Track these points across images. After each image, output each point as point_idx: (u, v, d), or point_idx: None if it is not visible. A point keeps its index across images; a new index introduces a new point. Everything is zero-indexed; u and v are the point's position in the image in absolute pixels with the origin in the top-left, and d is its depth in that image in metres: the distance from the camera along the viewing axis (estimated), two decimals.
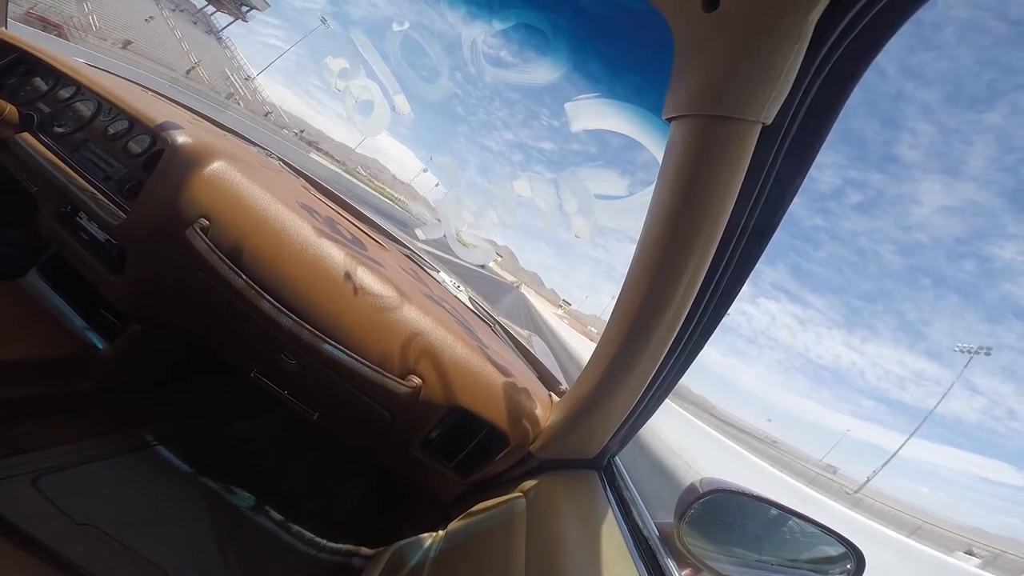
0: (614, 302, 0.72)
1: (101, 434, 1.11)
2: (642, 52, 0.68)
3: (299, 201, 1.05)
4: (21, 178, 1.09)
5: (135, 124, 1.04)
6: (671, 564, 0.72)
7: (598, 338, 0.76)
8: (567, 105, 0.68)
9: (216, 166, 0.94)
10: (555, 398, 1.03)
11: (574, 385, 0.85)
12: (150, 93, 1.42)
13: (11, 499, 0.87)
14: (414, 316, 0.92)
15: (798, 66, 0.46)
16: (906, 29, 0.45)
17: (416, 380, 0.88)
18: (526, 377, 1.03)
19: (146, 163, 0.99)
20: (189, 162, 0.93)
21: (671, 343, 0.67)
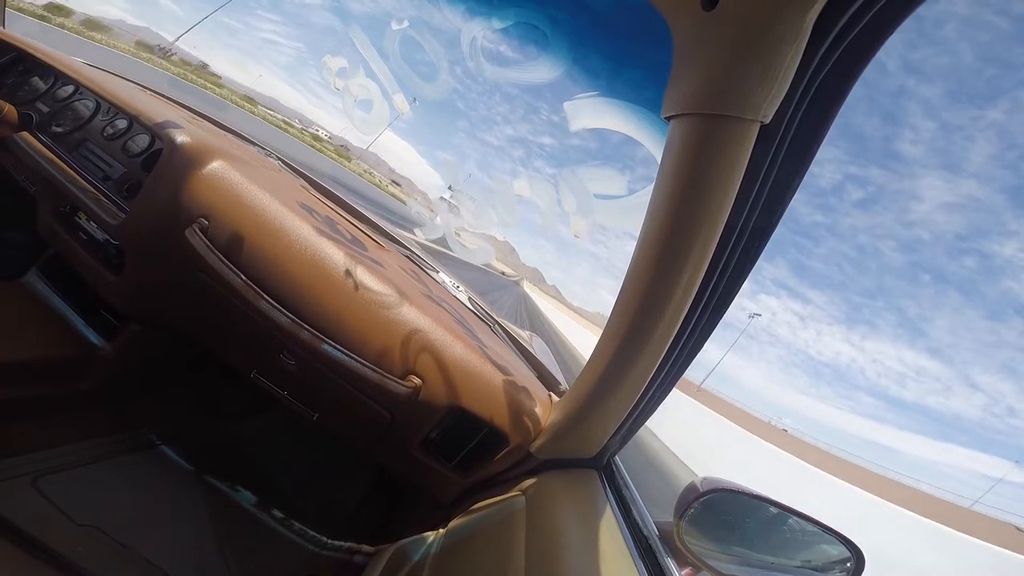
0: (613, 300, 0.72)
1: (101, 434, 1.11)
2: (642, 47, 0.67)
3: (298, 201, 1.05)
4: (20, 178, 1.09)
5: (134, 123, 1.04)
6: (671, 563, 0.72)
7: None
8: (566, 104, 0.68)
9: (215, 166, 0.94)
10: (555, 398, 1.03)
11: (574, 384, 0.85)
12: (149, 92, 1.42)
13: (11, 499, 0.87)
14: (413, 316, 0.92)
15: (796, 65, 0.46)
16: (906, 25, 0.45)
17: (416, 380, 0.88)
18: (526, 377, 1.03)
19: (145, 162, 0.99)
20: (188, 161, 0.93)
21: (670, 342, 0.67)
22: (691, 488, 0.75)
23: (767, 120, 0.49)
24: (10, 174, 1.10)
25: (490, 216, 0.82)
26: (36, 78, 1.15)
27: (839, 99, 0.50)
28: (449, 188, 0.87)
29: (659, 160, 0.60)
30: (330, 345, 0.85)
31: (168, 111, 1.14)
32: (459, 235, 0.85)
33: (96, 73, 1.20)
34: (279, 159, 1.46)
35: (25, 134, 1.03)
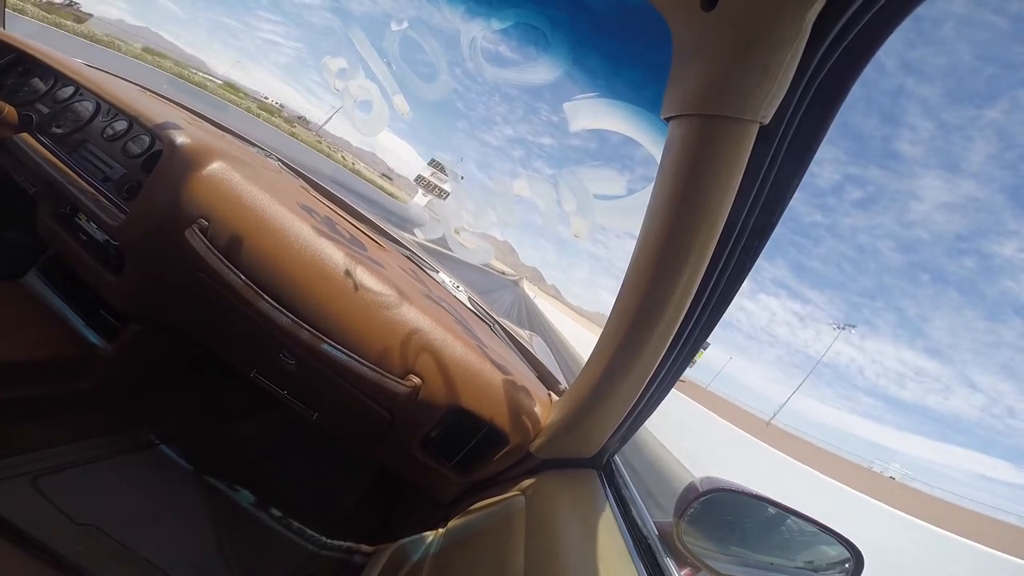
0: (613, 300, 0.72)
1: (101, 434, 1.11)
2: (642, 47, 0.67)
3: (298, 201, 1.05)
4: (20, 179, 1.09)
5: (134, 124, 1.04)
6: (670, 563, 0.72)
7: None
8: (566, 105, 0.68)
9: (215, 166, 0.94)
10: (554, 397, 1.03)
11: (573, 384, 0.85)
12: (149, 93, 1.42)
13: (11, 499, 0.87)
14: (413, 316, 0.92)
15: (796, 66, 0.46)
16: (905, 24, 0.45)
17: (415, 380, 0.88)
18: (525, 376, 1.03)
19: (145, 163, 0.99)
20: (188, 162, 0.93)
21: (670, 342, 0.67)
22: (691, 488, 0.75)
23: (766, 120, 0.49)
24: (10, 175, 1.10)
25: (490, 216, 0.82)
26: (36, 79, 1.15)
27: (838, 99, 0.51)
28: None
29: (658, 160, 0.60)
30: (330, 345, 0.85)
31: (168, 112, 1.14)
32: (458, 234, 0.86)
33: (96, 74, 1.21)
34: (279, 159, 1.46)
35: (25, 135, 1.03)
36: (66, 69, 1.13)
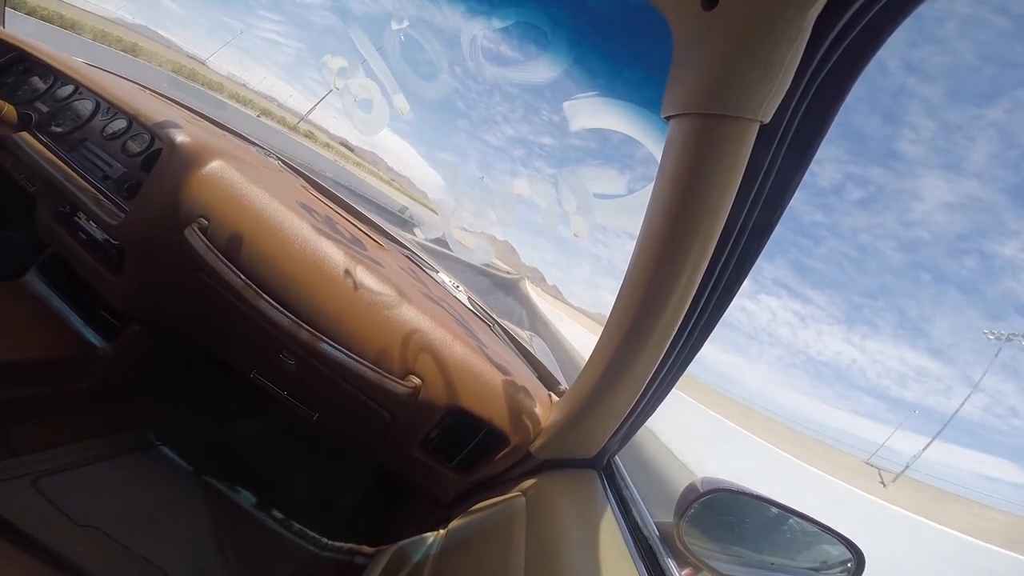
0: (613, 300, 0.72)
1: (101, 434, 1.11)
2: (642, 46, 0.67)
3: (298, 200, 1.05)
4: (19, 177, 1.09)
5: (133, 123, 1.04)
6: (671, 564, 0.72)
7: None
8: (566, 104, 0.68)
9: (215, 165, 0.94)
10: (555, 398, 1.03)
11: (574, 384, 0.85)
12: (148, 92, 1.42)
13: (11, 500, 0.87)
14: (413, 316, 0.92)
15: (796, 64, 0.46)
16: (906, 23, 0.45)
17: (415, 380, 0.88)
18: (526, 377, 1.03)
19: (144, 162, 0.99)
20: (188, 161, 0.93)
21: (670, 341, 0.67)
22: (691, 488, 0.75)
23: (767, 120, 0.49)
24: (9, 174, 1.10)
25: (489, 216, 0.82)
26: (36, 78, 1.15)
27: (839, 98, 0.50)
28: (450, 188, 0.84)
29: (659, 160, 0.60)
30: (330, 345, 0.85)
31: (168, 111, 1.14)
32: (458, 233, 0.85)
33: (96, 73, 1.21)
34: (279, 159, 1.46)
35: (25, 134, 1.03)
36: (65, 68, 1.13)
